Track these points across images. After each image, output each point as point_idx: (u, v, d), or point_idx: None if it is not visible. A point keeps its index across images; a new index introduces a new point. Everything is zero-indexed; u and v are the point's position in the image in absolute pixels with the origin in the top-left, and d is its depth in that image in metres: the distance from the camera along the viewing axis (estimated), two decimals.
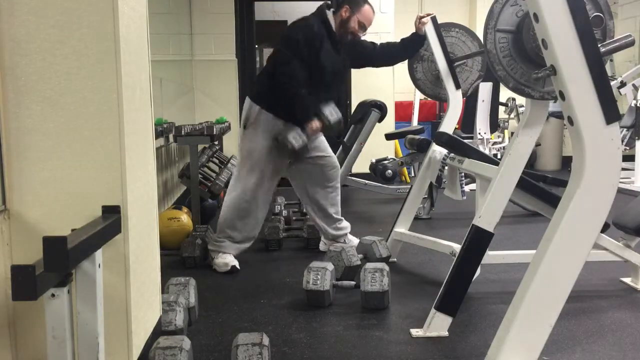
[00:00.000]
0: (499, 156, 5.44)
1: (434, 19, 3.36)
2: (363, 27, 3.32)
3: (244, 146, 3.32)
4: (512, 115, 7.09)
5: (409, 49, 3.51)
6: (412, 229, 3.43)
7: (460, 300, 2.33)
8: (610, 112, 1.66)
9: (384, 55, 3.54)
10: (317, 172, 3.46)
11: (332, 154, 3.56)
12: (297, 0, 7.92)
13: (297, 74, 3.11)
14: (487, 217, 2.26)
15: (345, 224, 3.63)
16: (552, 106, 2.37)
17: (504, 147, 6.08)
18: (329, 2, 3.37)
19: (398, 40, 3.58)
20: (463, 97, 3.47)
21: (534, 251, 1.87)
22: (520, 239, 3.91)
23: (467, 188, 3.33)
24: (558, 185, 4.15)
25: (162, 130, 4.05)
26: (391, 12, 6.53)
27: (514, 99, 6.91)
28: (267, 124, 3.24)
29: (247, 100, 3.35)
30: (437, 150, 3.26)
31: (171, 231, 3.69)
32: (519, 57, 2.09)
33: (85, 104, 1.65)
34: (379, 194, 5.67)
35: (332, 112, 3.21)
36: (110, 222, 1.59)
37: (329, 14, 3.32)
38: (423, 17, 3.38)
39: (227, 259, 3.29)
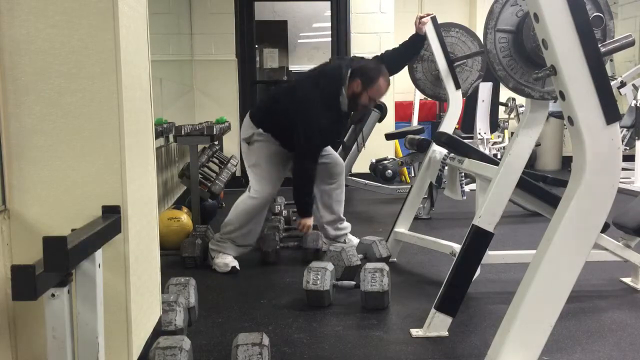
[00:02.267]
0: (499, 156, 5.45)
1: (434, 19, 3.36)
2: (373, 101, 3.31)
3: (250, 160, 3.40)
4: (512, 115, 7.09)
5: (411, 51, 3.51)
6: (412, 229, 3.43)
7: (460, 300, 2.33)
8: (611, 112, 1.66)
9: (390, 64, 3.50)
10: (322, 170, 3.48)
11: (335, 152, 3.62)
12: (297, 0, 7.93)
13: (311, 179, 3.31)
14: (487, 217, 2.26)
15: (346, 224, 3.63)
16: (552, 106, 2.37)
17: (504, 147, 6.08)
18: (351, 65, 3.28)
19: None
20: (463, 97, 3.47)
21: (534, 251, 1.87)
22: (520, 239, 3.91)
23: (467, 188, 3.33)
24: (558, 185, 4.15)
25: (162, 130, 4.04)
26: (391, 12, 6.53)
27: (514, 99, 6.91)
28: (267, 140, 3.34)
29: (248, 120, 3.42)
30: (437, 150, 3.26)
31: (171, 231, 3.69)
32: (519, 57, 2.09)
33: (85, 104, 1.65)
34: (379, 194, 5.67)
35: None
36: (110, 222, 1.59)
37: (344, 90, 3.23)
38: (423, 17, 3.37)
39: (227, 260, 3.30)
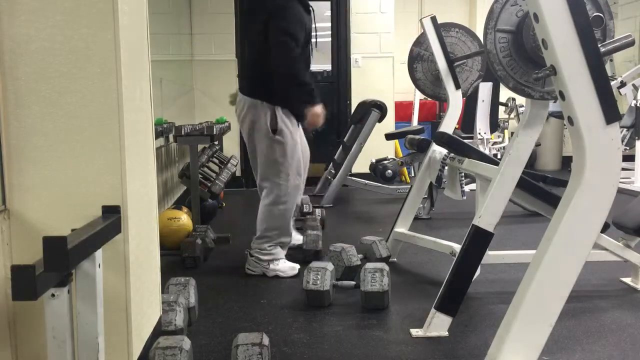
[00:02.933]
0: (499, 156, 5.44)
1: (433, 19, 3.36)
2: None
3: (282, 151, 3.06)
4: (512, 115, 7.09)
5: None
6: (412, 229, 3.43)
7: (460, 300, 2.33)
8: (611, 112, 1.66)
9: None
10: None
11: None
12: None
13: (301, 68, 2.98)
14: (487, 217, 2.26)
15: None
16: (552, 106, 2.37)
17: (504, 147, 6.08)
18: None
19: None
20: (463, 97, 3.47)
21: (534, 251, 1.87)
22: (520, 239, 3.91)
23: (467, 188, 3.33)
24: (558, 185, 4.15)
25: (162, 130, 4.04)
26: (391, 12, 6.51)
27: (514, 99, 6.91)
28: (288, 119, 3.08)
29: (246, 100, 3.09)
30: (437, 150, 3.26)
31: (171, 231, 3.68)
32: (519, 57, 2.09)
33: (85, 104, 1.65)
34: (379, 194, 5.67)
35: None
36: (110, 222, 1.59)
37: None
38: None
39: (289, 263, 3.23)
